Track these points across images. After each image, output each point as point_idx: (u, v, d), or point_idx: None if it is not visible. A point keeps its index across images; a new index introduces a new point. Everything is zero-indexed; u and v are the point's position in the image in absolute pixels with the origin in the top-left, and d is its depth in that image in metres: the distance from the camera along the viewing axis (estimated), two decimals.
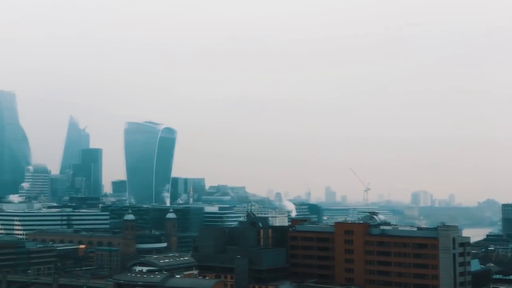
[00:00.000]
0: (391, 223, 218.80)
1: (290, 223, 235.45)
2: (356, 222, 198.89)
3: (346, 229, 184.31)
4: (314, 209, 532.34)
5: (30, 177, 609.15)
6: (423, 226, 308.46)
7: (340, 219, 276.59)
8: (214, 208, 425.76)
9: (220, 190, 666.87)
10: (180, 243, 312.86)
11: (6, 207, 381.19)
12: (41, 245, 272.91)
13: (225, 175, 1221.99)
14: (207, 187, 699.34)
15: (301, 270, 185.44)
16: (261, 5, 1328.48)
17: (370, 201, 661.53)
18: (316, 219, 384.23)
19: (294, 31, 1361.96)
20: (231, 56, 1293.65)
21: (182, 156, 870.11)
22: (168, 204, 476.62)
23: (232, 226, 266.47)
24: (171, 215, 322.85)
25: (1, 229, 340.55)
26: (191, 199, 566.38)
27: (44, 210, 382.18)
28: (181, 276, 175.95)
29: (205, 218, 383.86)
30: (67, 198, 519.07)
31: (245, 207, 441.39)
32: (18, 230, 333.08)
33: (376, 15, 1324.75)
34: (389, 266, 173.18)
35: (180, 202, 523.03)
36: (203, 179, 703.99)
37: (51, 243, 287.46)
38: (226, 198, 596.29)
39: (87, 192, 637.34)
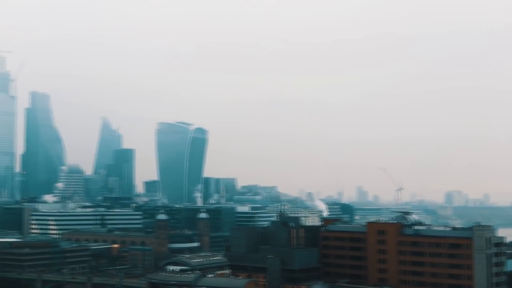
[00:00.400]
0: (425, 223, 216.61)
1: (322, 223, 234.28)
2: (389, 222, 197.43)
3: (379, 229, 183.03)
4: (346, 208, 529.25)
5: (64, 177, 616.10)
6: (457, 226, 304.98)
7: (373, 219, 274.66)
8: (246, 208, 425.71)
9: (251, 190, 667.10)
10: (212, 242, 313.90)
11: (41, 207, 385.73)
12: (75, 245, 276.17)
13: (256, 175, 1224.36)
14: (238, 187, 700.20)
15: (333, 270, 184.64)
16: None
17: (402, 200, 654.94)
18: (348, 219, 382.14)
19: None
20: (257, 60, 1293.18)
21: (214, 157, 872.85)
22: (200, 204, 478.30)
23: (264, 226, 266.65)
24: (203, 215, 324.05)
25: (36, 228, 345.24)
26: (223, 199, 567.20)
27: (78, 210, 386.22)
28: (213, 276, 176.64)
29: (237, 218, 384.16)
30: (101, 198, 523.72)
31: (277, 207, 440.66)
32: (53, 229, 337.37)
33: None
34: (423, 266, 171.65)
35: (212, 202, 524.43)
36: (234, 179, 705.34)
37: (85, 243, 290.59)
38: (258, 198, 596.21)
39: (120, 192, 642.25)
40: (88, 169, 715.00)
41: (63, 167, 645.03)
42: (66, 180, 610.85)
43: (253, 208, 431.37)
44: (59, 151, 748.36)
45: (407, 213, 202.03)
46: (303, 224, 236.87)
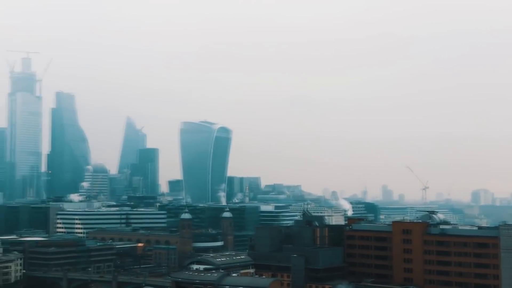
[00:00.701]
0: (451, 222, 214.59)
1: (346, 222, 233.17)
2: (415, 221, 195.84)
3: (404, 228, 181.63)
4: (371, 208, 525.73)
5: (90, 176, 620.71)
6: (483, 225, 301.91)
7: (398, 218, 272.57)
8: (270, 207, 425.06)
9: (275, 189, 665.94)
10: (236, 242, 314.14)
11: (67, 206, 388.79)
12: (100, 244, 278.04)
13: (280, 175, 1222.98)
14: (262, 186, 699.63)
15: (358, 269, 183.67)
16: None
17: (428, 200, 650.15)
18: (373, 218, 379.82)
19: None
20: (278, 60, 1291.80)
21: (237, 156, 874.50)
22: (224, 203, 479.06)
23: (288, 225, 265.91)
24: (227, 214, 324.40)
25: (62, 227, 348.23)
26: (246, 198, 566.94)
27: (103, 209, 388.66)
28: (237, 275, 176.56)
29: (261, 217, 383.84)
30: (125, 197, 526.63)
31: (300, 206, 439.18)
32: (79, 228, 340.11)
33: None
34: (449, 266, 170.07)
35: (236, 201, 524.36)
36: (258, 178, 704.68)
37: (110, 242, 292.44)
38: (282, 197, 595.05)
39: (144, 191, 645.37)
40: (113, 169, 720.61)
41: (88, 167, 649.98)
42: (91, 179, 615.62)
43: (277, 207, 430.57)
44: (84, 150, 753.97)
45: (433, 212, 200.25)
46: (327, 223, 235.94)
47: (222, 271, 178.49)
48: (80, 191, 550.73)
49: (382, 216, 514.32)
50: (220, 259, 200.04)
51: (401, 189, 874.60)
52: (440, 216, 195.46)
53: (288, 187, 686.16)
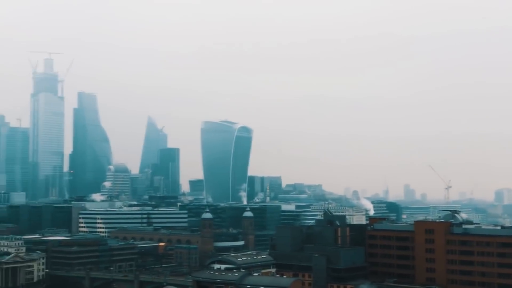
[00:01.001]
0: (474, 222, 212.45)
1: (368, 222, 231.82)
2: (437, 221, 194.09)
3: (427, 228, 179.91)
4: (393, 207, 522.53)
5: (112, 176, 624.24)
6: (507, 224, 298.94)
7: (420, 217, 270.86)
8: (291, 207, 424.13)
9: (296, 188, 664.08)
10: (257, 241, 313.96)
11: (89, 206, 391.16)
12: (122, 243, 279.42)
13: (301, 174, 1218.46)
14: (283, 185, 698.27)
15: (380, 269, 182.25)
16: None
17: (451, 199, 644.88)
18: (395, 218, 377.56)
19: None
20: (290, 60, 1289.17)
21: (258, 156, 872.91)
22: (245, 202, 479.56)
23: (309, 224, 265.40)
24: (248, 214, 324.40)
25: (84, 227, 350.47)
26: (267, 198, 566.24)
27: (125, 208, 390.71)
28: (258, 274, 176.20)
29: (282, 217, 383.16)
30: (147, 196, 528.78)
31: (322, 206, 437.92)
32: (101, 228, 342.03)
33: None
34: (472, 265, 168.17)
35: (257, 200, 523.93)
36: (279, 178, 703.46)
37: (132, 241, 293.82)
38: (303, 196, 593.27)
39: (165, 191, 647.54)
40: (134, 168, 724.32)
41: (110, 166, 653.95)
42: (113, 179, 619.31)
43: (298, 207, 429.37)
44: (106, 150, 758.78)
45: (456, 211, 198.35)
46: (349, 223, 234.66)
47: (243, 270, 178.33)
48: (102, 190, 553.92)
49: (404, 216, 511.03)
50: (241, 259, 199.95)
51: (423, 189, 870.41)
52: (463, 216, 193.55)
53: (309, 186, 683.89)
